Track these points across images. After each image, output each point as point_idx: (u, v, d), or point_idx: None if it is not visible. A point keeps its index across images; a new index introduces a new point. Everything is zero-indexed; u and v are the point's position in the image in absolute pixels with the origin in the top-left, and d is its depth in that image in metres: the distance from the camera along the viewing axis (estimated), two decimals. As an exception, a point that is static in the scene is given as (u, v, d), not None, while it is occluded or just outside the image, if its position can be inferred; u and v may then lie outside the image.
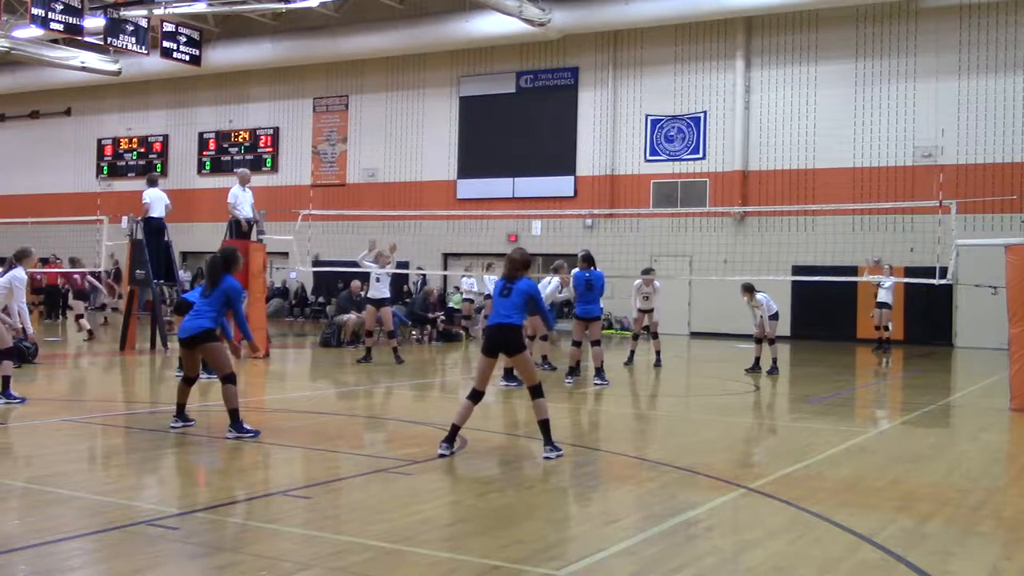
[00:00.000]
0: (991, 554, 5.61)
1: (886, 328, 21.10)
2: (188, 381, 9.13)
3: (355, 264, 17.51)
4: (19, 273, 10.88)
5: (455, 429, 7.95)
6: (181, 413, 9.11)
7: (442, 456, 7.81)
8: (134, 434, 9.10)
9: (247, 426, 8.65)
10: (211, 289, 8.86)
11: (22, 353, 14.21)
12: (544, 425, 7.91)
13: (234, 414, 8.63)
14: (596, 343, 13.52)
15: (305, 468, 7.86)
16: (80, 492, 6.56)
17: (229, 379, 8.72)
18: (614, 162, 27.86)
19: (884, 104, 24.89)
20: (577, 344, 13.62)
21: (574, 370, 13.63)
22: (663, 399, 13.51)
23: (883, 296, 20.86)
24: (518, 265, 8.22)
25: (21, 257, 10.98)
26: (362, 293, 20.74)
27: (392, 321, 16.63)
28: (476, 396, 8.05)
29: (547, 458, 7.79)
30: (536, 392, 7.97)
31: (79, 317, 20.71)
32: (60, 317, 25.97)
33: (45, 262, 25.02)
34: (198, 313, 8.88)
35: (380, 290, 16.35)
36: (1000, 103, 23.72)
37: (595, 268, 13.72)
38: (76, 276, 21.85)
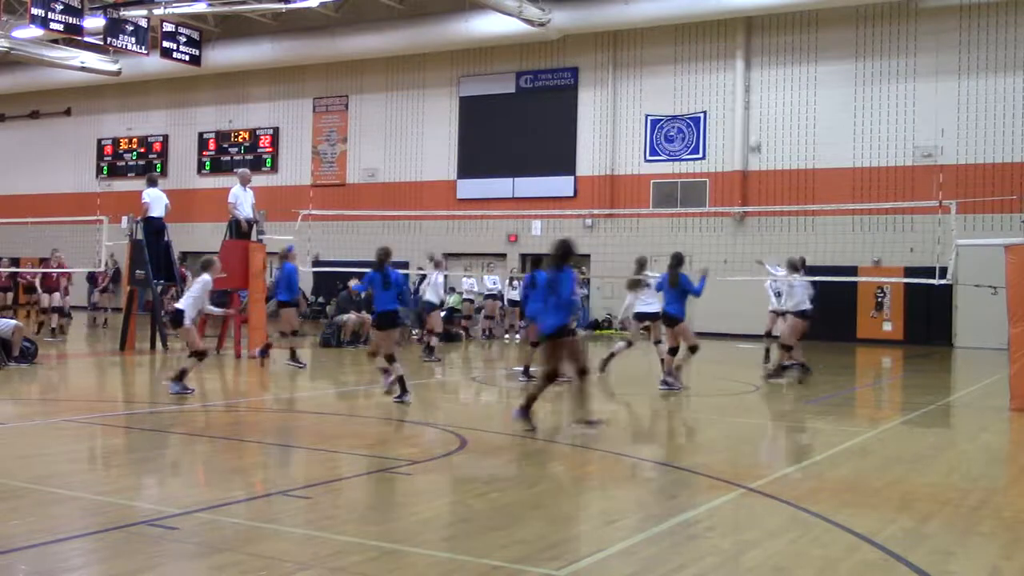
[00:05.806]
0: (991, 554, 5.61)
1: (768, 331, 16.36)
2: None
3: (355, 264, 17.61)
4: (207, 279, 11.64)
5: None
6: None
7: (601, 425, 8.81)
8: (134, 434, 9.10)
9: None
10: None
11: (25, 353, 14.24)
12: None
13: None
14: None
15: (305, 468, 7.86)
16: (80, 492, 6.56)
17: None
18: (614, 162, 27.84)
19: (884, 104, 24.87)
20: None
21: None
22: (663, 399, 13.50)
23: (775, 302, 16.10)
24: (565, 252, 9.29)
25: (207, 266, 11.67)
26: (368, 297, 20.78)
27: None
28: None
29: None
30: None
31: (44, 311, 20.54)
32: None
33: (45, 262, 24.92)
34: None
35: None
36: (1000, 103, 23.70)
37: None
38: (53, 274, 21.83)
